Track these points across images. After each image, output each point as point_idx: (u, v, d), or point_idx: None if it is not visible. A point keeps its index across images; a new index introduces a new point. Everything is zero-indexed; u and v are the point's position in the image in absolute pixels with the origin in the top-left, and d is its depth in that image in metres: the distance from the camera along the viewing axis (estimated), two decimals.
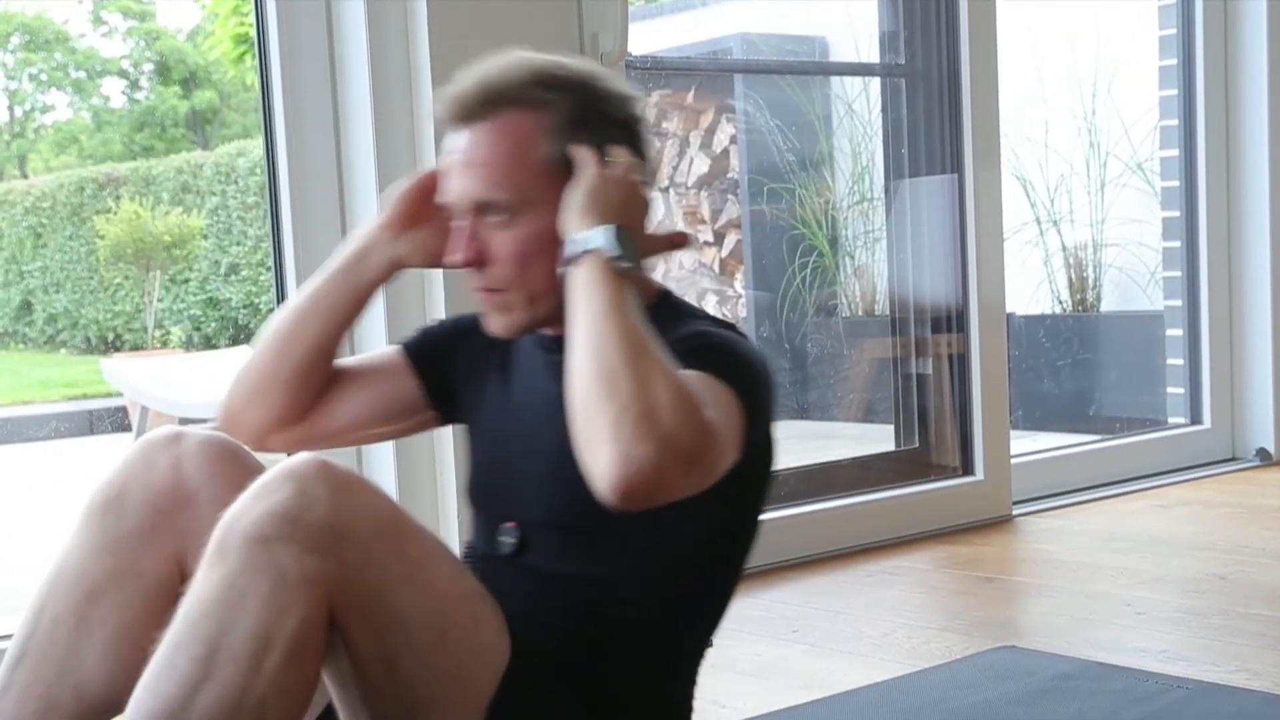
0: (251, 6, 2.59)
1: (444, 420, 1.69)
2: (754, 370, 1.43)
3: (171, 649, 1.27)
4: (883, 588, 2.86)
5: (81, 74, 11.38)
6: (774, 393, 1.47)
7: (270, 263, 2.65)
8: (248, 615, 1.25)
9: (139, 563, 1.50)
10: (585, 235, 1.37)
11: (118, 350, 8.28)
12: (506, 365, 1.61)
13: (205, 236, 8.00)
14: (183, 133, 11.10)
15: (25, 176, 10.16)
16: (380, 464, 2.59)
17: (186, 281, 8.10)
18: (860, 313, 5.19)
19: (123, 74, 11.66)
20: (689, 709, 1.58)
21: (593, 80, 1.47)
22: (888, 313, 3.77)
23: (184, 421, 6.79)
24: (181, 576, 1.50)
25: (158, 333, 8.08)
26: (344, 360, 1.67)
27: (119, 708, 1.46)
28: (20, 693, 1.48)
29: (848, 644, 2.42)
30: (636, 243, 1.39)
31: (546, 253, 1.43)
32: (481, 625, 1.37)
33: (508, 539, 1.52)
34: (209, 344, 8.07)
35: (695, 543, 1.49)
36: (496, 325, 1.51)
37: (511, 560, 1.51)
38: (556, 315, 1.44)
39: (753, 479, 1.49)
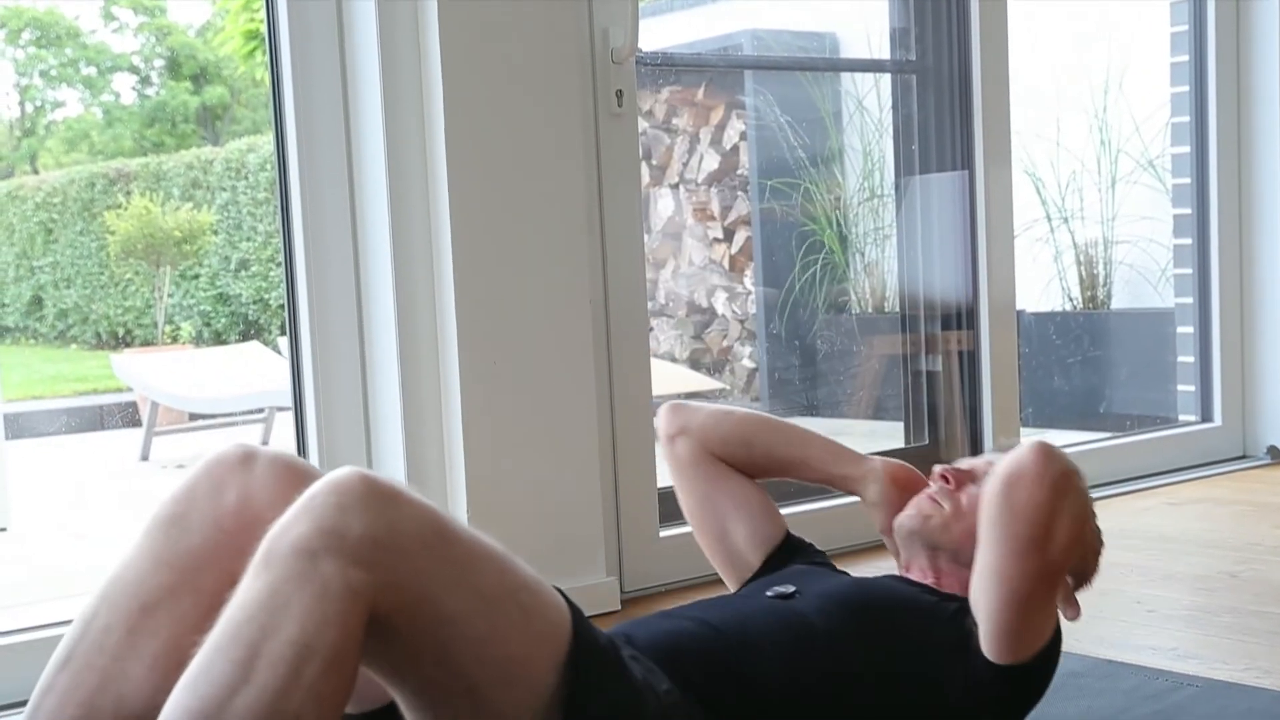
0: (262, 3, 2.59)
1: (751, 578, 1.96)
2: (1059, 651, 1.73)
3: (212, 651, 1.27)
4: None
5: (92, 70, 11.40)
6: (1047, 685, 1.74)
7: (280, 258, 2.66)
8: (290, 623, 1.25)
9: (198, 580, 1.51)
10: None
11: (128, 346, 8.30)
12: None
13: (215, 232, 8.01)
14: (193, 128, 11.12)
15: (36, 172, 10.19)
16: (390, 461, 2.60)
17: (197, 277, 8.12)
18: (870, 309, 5.19)
19: (133, 70, 11.68)
20: None
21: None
22: (898, 309, 3.76)
23: (193, 417, 6.79)
24: None
25: (168, 328, 8.10)
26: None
27: None
28: (61, 696, 1.48)
29: None
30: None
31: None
32: (533, 616, 1.37)
33: (784, 589, 1.76)
34: (219, 339, 8.08)
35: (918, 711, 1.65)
36: (908, 514, 1.84)
37: (773, 598, 1.74)
38: (935, 559, 1.81)
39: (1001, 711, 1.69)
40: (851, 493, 2.00)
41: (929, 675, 1.66)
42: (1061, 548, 1.58)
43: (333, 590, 1.26)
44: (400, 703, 1.41)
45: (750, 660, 1.60)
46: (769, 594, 1.76)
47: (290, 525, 1.30)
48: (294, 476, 1.56)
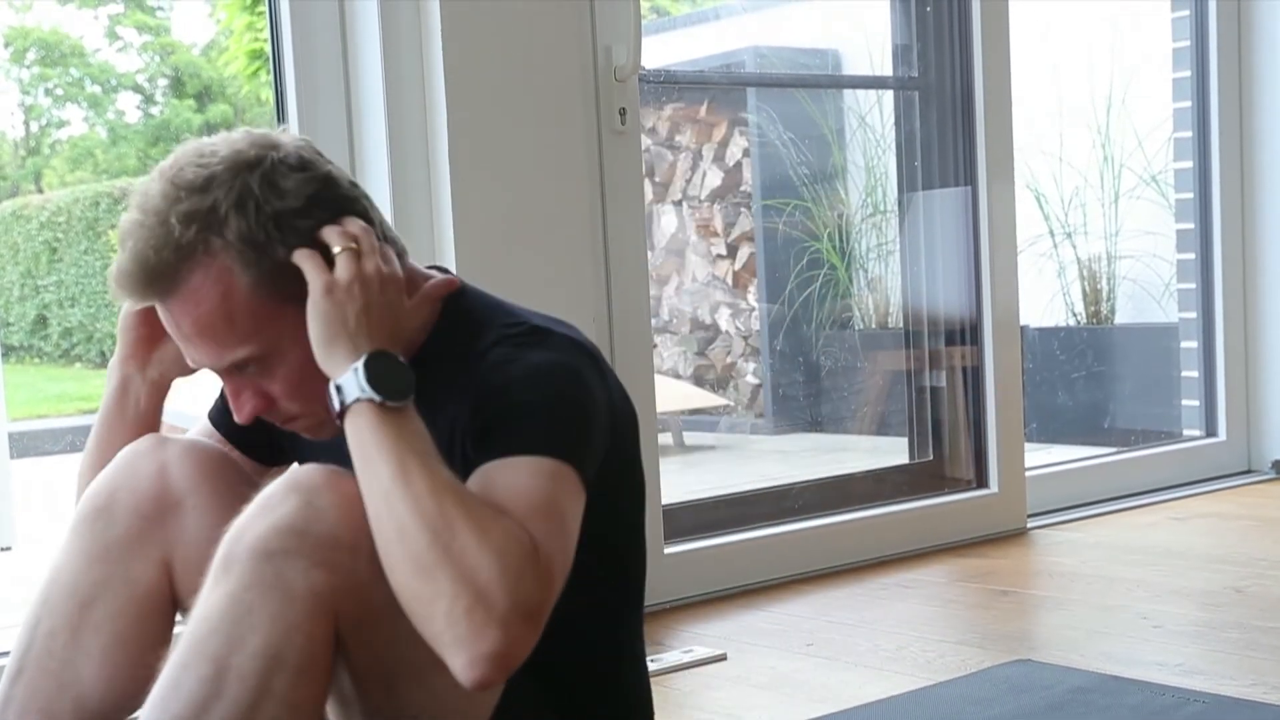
0: (266, 23, 2.60)
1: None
2: (567, 405, 1.33)
3: (178, 668, 1.25)
4: (897, 601, 2.85)
5: (96, 88, 11.43)
6: (601, 405, 1.38)
7: None
8: (255, 633, 1.23)
9: (129, 570, 1.49)
10: (338, 383, 1.29)
11: None
12: None
13: None
14: None
15: (40, 191, 10.21)
16: None
17: None
18: (874, 325, 5.19)
19: (137, 88, 11.71)
20: (647, 694, 1.57)
21: (251, 171, 1.31)
22: (901, 325, 3.76)
23: None
24: (171, 583, 1.49)
25: None
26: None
27: (119, 717, 1.46)
28: (20, 706, 1.47)
29: (862, 657, 2.42)
30: (397, 365, 1.29)
31: (319, 372, 1.33)
32: None
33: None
34: None
35: (589, 552, 1.35)
36: (320, 438, 1.43)
37: None
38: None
39: (620, 494, 1.46)
40: (127, 397, 1.60)
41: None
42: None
43: (296, 594, 1.24)
44: None
45: None
46: None
47: (247, 526, 1.27)
48: (210, 458, 1.53)
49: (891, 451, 4.07)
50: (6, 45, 10.72)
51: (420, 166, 2.56)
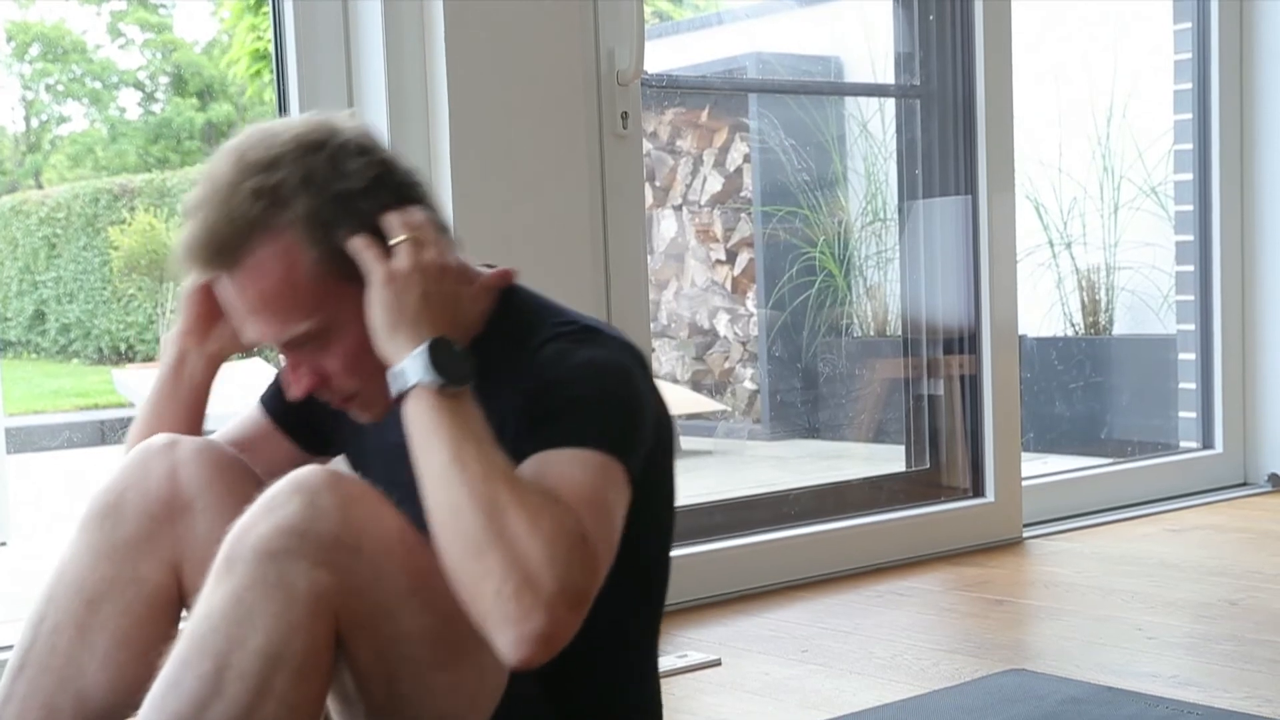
0: (269, 22, 2.60)
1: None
2: (618, 402, 1.38)
3: (179, 666, 1.26)
4: (892, 608, 2.85)
5: (98, 85, 11.43)
6: (648, 406, 1.43)
7: None
8: (257, 633, 1.24)
9: (137, 570, 1.49)
10: (400, 368, 1.32)
11: (130, 361, 8.31)
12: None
13: None
14: (198, 145, 11.14)
15: (40, 187, 10.20)
16: None
17: None
18: (872, 333, 5.19)
19: (139, 85, 11.71)
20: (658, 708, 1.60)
21: (316, 152, 1.36)
22: (900, 333, 3.77)
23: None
24: (179, 584, 1.49)
25: None
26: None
27: (120, 715, 1.46)
28: (21, 703, 1.47)
29: (857, 664, 2.42)
30: (456, 352, 1.32)
31: (374, 350, 1.37)
32: (484, 646, 1.31)
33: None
34: None
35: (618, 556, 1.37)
36: (369, 419, 1.48)
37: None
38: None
39: (654, 497, 1.49)
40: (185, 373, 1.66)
41: None
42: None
43: (298, 595, 1.25)
44: None
45: None
46: None
47: (251, 526, 1.28)
48: (222, 459, 1.53)
49: (888, 459, 4.07)
50: (9, 40, 10.72)
51: (421, 168, 2.56)
